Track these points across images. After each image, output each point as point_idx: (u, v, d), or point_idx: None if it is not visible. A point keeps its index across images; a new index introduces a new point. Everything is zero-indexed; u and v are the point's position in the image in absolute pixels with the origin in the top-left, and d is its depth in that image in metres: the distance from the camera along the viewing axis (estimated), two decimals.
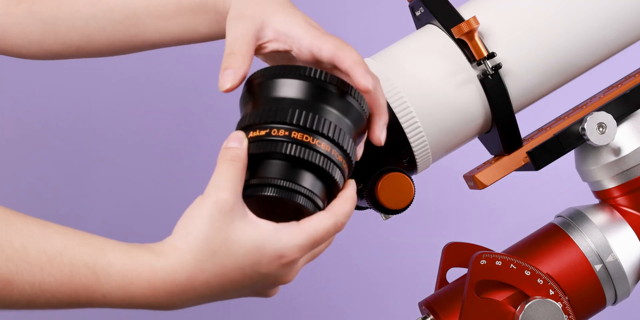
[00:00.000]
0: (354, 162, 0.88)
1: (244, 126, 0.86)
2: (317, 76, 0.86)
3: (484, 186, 1.03)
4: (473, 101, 1.01)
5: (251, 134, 0.85)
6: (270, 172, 0.84)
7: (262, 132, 0.85)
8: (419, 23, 1.07)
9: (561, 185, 1.80)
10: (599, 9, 1.03)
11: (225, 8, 0.95)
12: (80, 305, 0.81)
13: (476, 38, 0.99)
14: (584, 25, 1.03)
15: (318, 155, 0.84)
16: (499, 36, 1.01)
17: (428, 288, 1.14)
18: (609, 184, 1.05)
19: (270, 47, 0.93)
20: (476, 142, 1.08)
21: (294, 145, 0.84)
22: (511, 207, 1.91)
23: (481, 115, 1.02)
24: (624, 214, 1.05)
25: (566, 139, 1.02)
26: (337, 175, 0.86)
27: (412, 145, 0.99)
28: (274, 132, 0.84)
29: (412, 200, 0.97)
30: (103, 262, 0.80)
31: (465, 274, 1.02)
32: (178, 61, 1.90)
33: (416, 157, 1.00)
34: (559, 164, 1.07)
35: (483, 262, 1.00)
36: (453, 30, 0.99)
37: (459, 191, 1.66)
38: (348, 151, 0.86)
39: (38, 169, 1.89)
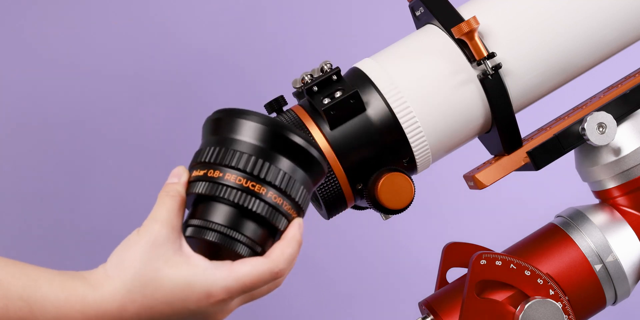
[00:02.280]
0: (305, 211, 0.88)
1: (200, 161, 0.86)
2: (279, 124, 0.85)
3: (484, 186, 1.03)
4: (473, 101, 1.01)
5: (203, 172, 0.85)
6: (214, 216, 0.84)
7: (214, 174, 0.84)
8: (419, 23, 1.07)
9: (561, 185, 1.80)
10: (599, 9, 1.03)
11: None
12: None
13: (476, 38, 0.99)
14: (584, 25, 1.03)
15: (263, 204, 0.84)
16: (499, 36, 1.01)
17: (428, 288, 1.14)
18: (609, 184, 1.05)
19: None
20: (476, 142, 1.08)
21: (241, 193, 0.83)
22: (511, 207, 1.91)
23: (481, 115, 1.02)
24: (624, 214, 1.05)
25: (566, 139, 1.02)
26: (283, 225, 0.85)
27: (412, 145, 0.99)
28: (225, 176, 0.84)
29: (412, 200, 0.97)
30: (37, 295, 0.80)
31: (465, 274, 1.02)
32: (180, 60, 1.90)
33: (416, 157, 1.00)
34: (559, 164, 1.07)
35: (483, 262, 1.00)
36: (453, 30, 0.99)
37: (459, 191, 1.66)
38: (299, 202, 0.86)
39: (37, 169, 1.89)
